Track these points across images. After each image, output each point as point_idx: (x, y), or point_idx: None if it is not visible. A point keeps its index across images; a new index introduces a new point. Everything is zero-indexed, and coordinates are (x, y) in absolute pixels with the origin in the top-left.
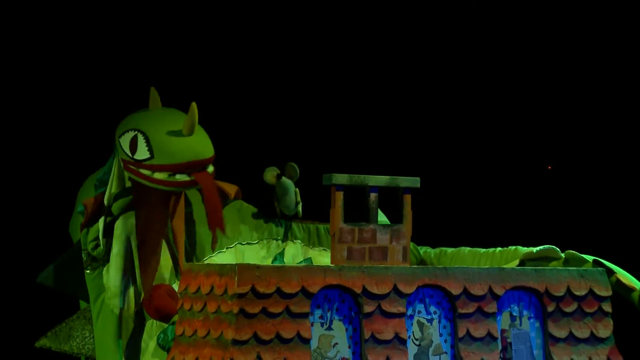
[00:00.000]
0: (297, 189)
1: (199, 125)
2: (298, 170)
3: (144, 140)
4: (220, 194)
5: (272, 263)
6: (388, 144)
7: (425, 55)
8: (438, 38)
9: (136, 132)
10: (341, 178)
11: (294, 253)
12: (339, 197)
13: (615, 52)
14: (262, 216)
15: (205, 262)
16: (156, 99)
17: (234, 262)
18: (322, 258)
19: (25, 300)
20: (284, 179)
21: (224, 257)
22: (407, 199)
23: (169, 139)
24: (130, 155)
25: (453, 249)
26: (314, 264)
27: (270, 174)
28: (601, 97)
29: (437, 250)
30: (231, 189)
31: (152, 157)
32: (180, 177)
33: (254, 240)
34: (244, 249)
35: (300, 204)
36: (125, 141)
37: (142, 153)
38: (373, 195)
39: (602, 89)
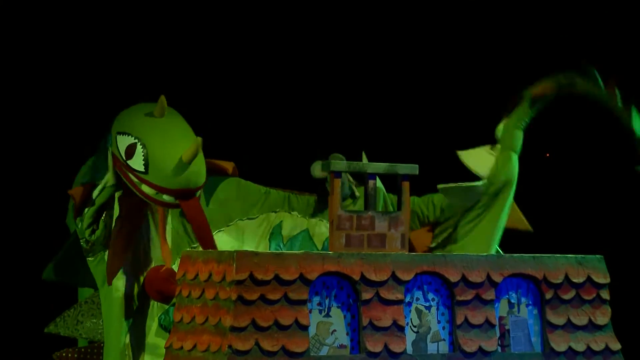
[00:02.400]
0: (347, 173)
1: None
2: (343, 157)
3: (142, 153)
4: (219, 171)
5: (269, 237)
6: (387, 131)
7: (424, 44)
8: (435, 28)
9: (136, 140)
10: (340, 165)
11: (291, 225)
12: (337, 184)
13: (616, 42)
14: (260, 191)
15: None
16: (163, 107)
17: (235, 240)
18: (319, 228)
19: (32, 287)
20: None
21: (224, 235)
22: (406, 186)
23: (167, 161)
24: (124, 159)
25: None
26: (311, 233)
27: (318, 169)
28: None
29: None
30: (228, 165)
31: (145, 172)
32: (168, 199)
33: (254, 215)
34: (244, 225)
35: (354, 183)
36: (122, 142)
37: (137, 164)
38: (372, 182)
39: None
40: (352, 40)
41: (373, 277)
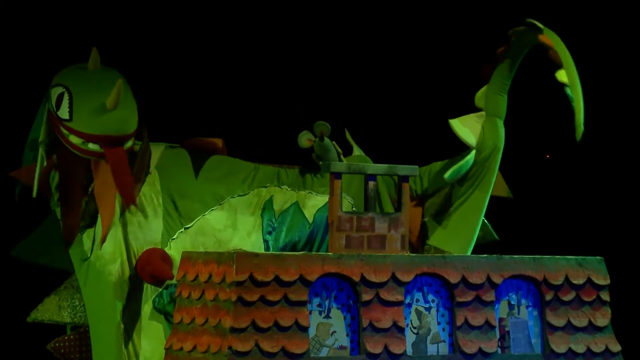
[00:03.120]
0: (334, 142)
1: (130, 99)
2: (328, 125)
3: (68, 100)
4: (208, 148)
5: (261, 212)
6: (387, 132)
7: (424, 44)
8: (435, 30)
9: (64, 89)
10: (339, 166)
11: (282, 199)
12: (337, 185)
13: (618, 41)
14: (249, 167)
15: (198, 221)
16: (96, 59)
17: (228, 218)
18: (309, 200)
19: (10, 277)
20: (325, 140)
21: (216, 214)
22: (406, 187)
23: (91, 107)
24: (55, 110)
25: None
26: (301, 205)
27: (305, 139)
28: (598, 81)
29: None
30: (217, 141)
31: (70, 119)
32: (93, 147)
33: (245, 191)
34: (236, 203)
35: (341, 153)
36: (54, 94)
37: (63, 112)
38: (372, 184)
39: (600, 79)
40: (344, 23)
41: (373, 278)
